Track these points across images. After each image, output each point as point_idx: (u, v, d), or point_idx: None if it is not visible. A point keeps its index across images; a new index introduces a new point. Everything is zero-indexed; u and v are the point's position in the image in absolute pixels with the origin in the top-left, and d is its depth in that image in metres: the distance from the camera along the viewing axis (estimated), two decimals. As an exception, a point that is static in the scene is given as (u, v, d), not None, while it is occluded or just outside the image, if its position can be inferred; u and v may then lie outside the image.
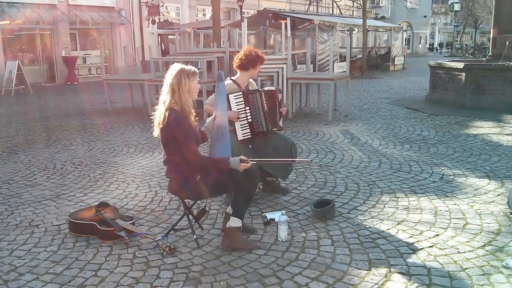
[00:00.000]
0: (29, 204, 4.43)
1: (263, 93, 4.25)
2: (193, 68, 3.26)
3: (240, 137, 4.23)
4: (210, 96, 4.39)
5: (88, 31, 20.66)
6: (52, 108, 11.44)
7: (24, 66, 15.86)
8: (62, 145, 7.06)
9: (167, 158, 3.32)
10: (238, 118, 4.17)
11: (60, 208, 4.31)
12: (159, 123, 3.20)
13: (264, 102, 4.23)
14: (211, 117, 3.59)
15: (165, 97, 3.22)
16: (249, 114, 4.23)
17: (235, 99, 4.19)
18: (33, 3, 17.29)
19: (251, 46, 4.27)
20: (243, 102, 4.21)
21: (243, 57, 4.25)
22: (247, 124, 4.25)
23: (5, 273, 3.08)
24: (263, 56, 4.37)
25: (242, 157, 3.20)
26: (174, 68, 3.23)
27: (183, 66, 3.25)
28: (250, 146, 4.34)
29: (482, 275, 2.90)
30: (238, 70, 4.34)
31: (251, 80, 4.48)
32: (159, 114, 3.22)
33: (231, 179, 3.20)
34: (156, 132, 3.27)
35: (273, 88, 4.64)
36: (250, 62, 4.23)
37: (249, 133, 4.27)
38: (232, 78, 4.40)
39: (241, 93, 4.22)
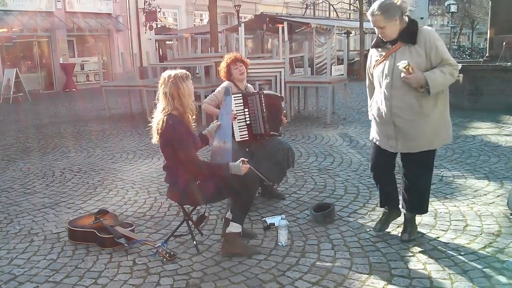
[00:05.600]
0: (28, 212, 4.42)
1: (262, 96, 4.26)
2: (183, 71, 3.30)
3: (237, 138, 4.23)
4: (210, 95, 4.56)
5: (85, 38, 20.65)
6: (51, 115, 11.43)
7: (22, 73, 15.85)
8: (60, 153, 7.05)
9: (167, 164, 3.33)
10: (235, 118, 4.18)
11: (59, 216, 4.30)
12: (158, 129, 3.21)
13: (264, 105, 4.23)
14: (215, 123, 3.61)
15: (163, 104, 3.24)
16: (248, 116, 4.24)
17: (234, 100, 4.19)
18: (30, 11, 17.29)
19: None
20: (242, 104, 4.22)
21: (220, 69, 4.53)
22: (245, 126, 4.25)
23: (5, 282, 3.06)
24: (233, 55, 4.52)
25: (243, 159, 3.22)
26: (167, 75, 3.24)
27: (174, 71, 3.27)
28: (247, 149, 4.34)
29: (483, 277, 2.89)
30: (226, 79, 4.54)
31: (249, 85, 4.64)
32: (157, 121, 3.23)
33: (230, 186, 3.20)
34: (155, 139, 3.28)
35: (276, 93, 4.66)
36: (227, 67, 4.44)
37: (247, 135, 4.27)
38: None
39: (240, 94, 4.25)
